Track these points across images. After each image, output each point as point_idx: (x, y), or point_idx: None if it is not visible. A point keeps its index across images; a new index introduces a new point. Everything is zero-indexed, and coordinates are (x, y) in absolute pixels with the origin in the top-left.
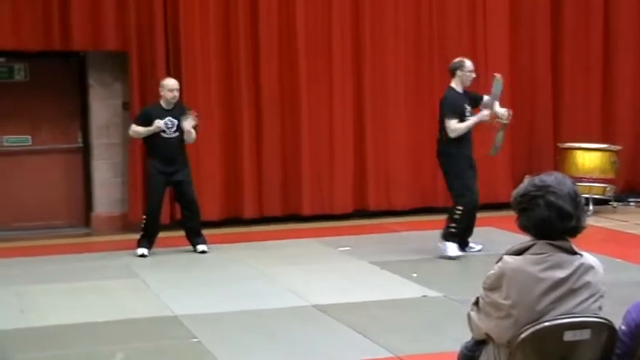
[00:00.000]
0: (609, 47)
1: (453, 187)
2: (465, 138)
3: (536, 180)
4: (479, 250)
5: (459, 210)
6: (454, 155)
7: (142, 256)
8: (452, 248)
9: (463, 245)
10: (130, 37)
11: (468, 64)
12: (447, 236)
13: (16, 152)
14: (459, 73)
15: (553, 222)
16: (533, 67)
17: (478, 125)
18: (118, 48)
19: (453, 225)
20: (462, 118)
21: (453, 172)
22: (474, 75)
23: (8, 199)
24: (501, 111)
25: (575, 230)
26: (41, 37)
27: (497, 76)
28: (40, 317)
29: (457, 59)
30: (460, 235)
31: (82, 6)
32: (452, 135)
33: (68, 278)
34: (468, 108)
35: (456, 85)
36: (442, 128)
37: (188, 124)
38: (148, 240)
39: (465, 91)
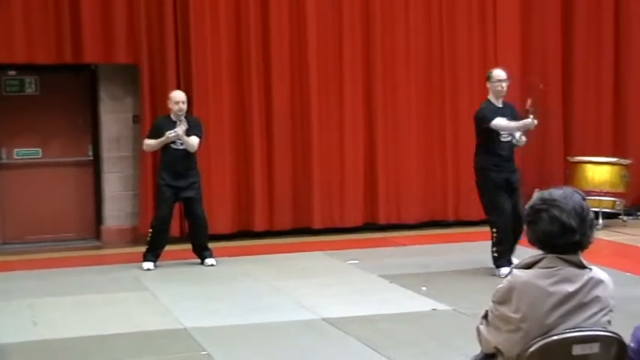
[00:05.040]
0: (621, 60)
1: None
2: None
3: (545, 194)
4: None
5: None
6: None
7: (148, 270)
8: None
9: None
10: (141, 50)
11: (495, 73)
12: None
13: (27, 165)
14: (487, 84)
15: (555, 236)
16: (544, 82)
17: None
18: (129, 61)
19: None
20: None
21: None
22: (502, 85)
23: (19, 212)
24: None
25: (579, 245)
26: (53, 51)
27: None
28: (51, 330)
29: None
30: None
31: (93, 19)
32: (499, 129)
33: (79, 291)
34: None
35: (490, 96)
36: (478, 142)
37: (180, 130)
38: (153, 254)
39: (505, 104)
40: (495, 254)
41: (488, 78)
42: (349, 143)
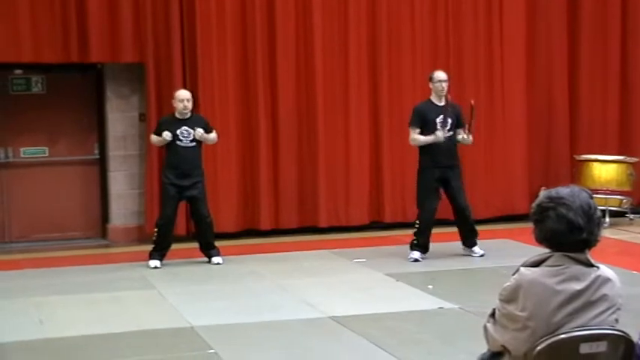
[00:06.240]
0: (627, 59)
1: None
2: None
3: (552, 192)
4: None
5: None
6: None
7: (155, 268)
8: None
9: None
10: (147, 49)
11: (436, 74)
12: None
13: (34, 164)
14: (430, 84)
15: (562, 234)
16: (550, 80)
17: None
18: (135, 60)
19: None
20: (424, 130)
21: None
22: (443, 85)
23: (25, 211)
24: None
25: (586, 243)
26: (59, 50)
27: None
28: (58, 328)
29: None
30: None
31: (100, 18)
32: (411, 143)
33: (85, 289)
34: (442, 120)
35: (432, 96)
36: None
37: (198, 133)
38: (159, 252)
39: (451, 104)
40: (415, 242)
41: (430, 79)
42: (355, 141)
